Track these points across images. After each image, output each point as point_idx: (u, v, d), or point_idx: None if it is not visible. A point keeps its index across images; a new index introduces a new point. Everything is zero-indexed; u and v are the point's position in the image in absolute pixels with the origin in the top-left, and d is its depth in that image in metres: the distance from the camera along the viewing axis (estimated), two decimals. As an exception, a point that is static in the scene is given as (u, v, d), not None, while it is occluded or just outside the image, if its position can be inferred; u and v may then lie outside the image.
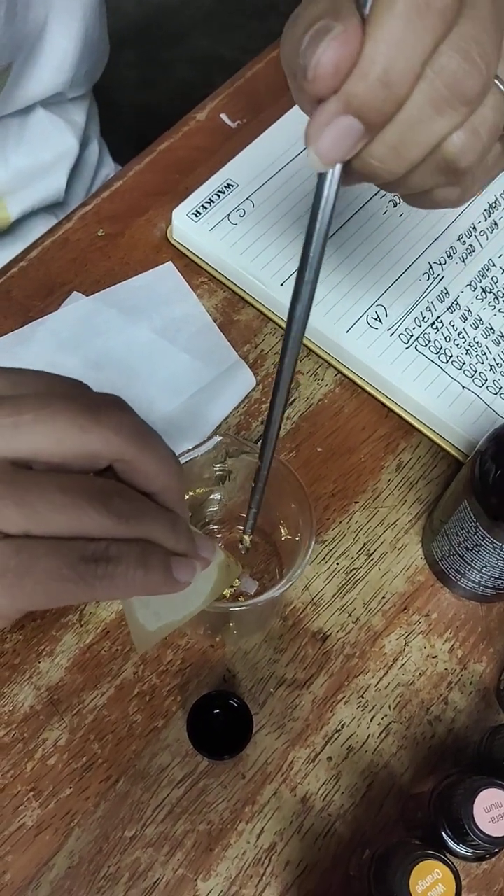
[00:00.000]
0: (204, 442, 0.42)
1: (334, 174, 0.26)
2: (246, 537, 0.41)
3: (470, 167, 0.29)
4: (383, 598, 0.48)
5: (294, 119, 0.59)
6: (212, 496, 0.47)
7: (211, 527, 0.48)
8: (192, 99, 0.64)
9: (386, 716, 0.45)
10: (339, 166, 0.26)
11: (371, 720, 0.45)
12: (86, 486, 0.29)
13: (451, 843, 0.37)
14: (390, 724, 0.45)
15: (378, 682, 0.46)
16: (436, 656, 0.47)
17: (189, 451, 0.41)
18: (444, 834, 0.37)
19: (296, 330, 0.30)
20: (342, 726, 0.45)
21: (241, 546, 0.42)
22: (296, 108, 0.60)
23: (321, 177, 0.26)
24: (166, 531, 0.31)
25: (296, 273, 0.28)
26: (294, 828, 0.43)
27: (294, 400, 0.53)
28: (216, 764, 0.44)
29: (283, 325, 0.54)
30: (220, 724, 0.42)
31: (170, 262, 0.56)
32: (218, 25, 1.77)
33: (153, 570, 0.31)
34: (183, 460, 0.41)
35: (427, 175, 0.29)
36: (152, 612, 0.35)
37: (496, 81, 0.28)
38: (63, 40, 0.63)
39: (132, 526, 0.30)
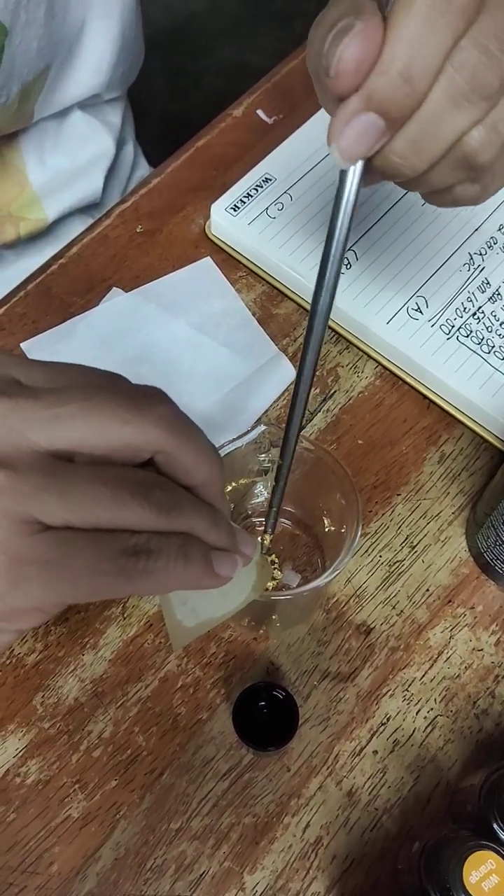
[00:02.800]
0: (248, 432, 0.42)
1: (356, 171, 0.27)
2: (267, 537, 0.41)
3: (490, 163, 0.29)
4: (427, 590, 0.48)
5: (331, 113, 0.59)
6: (254, 488, 0.47)
7: (253, 519, 0.48)
8: (221, 106, 0.64)
9: (432, 709, 0.45)
10: (360, 163, 0.27)
11: (417, 714, 0.45)
12: (127, 478, 0.29)
13: (503, 835, 0.36)
14: (436, 717, 0.45)
15: (423, 676, 0.45)
16: (482, 649, 0.46)
17: (232, 441, 0.41)
18: (495, 826, 0.36)
19: (318, 327, 0.30)
20: (388, 720, 0.45)
21: (262, 546, 0.42)
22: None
23: (343, 174, 0.27)
24: (207, 525, 0.31)
25: (317, 270, 0.28)
26: (340, 822, 0.42)
27: (334, 392, 0.53)
28: (261, 756, 0.43)
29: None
30: (266, 716, 0.42)
31: (208, 258, 0.57)
32: (244, 32, 1.78)
33: (194, 563, 0.30)
34: (226, 451, 0.41)
35: (447, 172, 0.30)
36: (190, 608, 0.35)
37: None
38: (101, 41, 0.63)
39: (173, 519, 0.30)
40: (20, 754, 0.43)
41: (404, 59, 0.25)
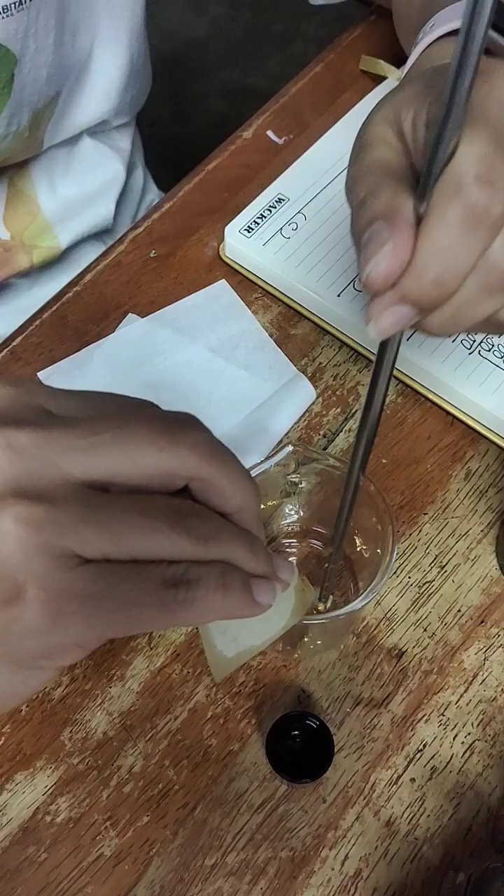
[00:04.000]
0: (275, 453, 0.41)
1: (395, 337, 0.28)
2: (332, 567, 0.40)
3: None
4: (459, 611, 0.47)
5: (342, 132, 0.59)
6: (282, 509, 0.46)
7: (282, 541, 0.47)
8: (225, 128, 0.64)
9: (469, 734, 0.44)
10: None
11: (454, 739, 0.44)
12: (164, 507, 0.29)
13: (552, 867, 0.35)
14: (474, 742, 0.43)
15: (459, 699, 0.44)
16: (518, 670, 0.45)
17: (260, 463, 0.41)
18: (544, 857, 0.35)
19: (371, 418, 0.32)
20: (424, 746, 0.43)
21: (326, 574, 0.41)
22: (342, 121, 0.60)
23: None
24: (245, 552, 0.31)
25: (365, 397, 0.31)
26: (380, 853, 0.41)
27: (355, 411, 0.52)
28: (296, 788, 0.42)
29: (342, 336, 0.54)
30: (299, 746, 0.41)
31: (223, 280, 0.56)
32: (245, 55, 1.80)
33: (234, 592, 0.30)
34: (255, 472, 0.41)
35: (483, 329, 0.32)
36: (230, 637, 0.34)
37: None
38: (109, 67, 0.64)
39: (211, 547, 0.29)
40: (49, 792, 0.42)
41: (436, 271, 0.26)
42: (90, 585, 0.27)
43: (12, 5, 0.52)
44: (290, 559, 0.47)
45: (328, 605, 0.43)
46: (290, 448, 0.41)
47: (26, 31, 0.54)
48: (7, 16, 0.52)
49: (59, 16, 0.56)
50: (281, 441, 0.51)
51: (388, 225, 0.26)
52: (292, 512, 0.46)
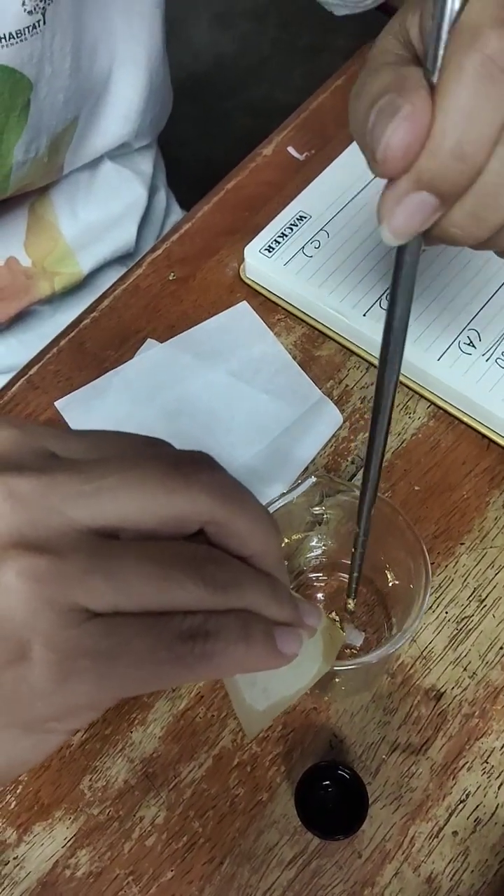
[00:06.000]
0: (299, 484, 0.39)
1: (412, 245, 0.25)
2: (350, 602, 0.38)
3: None
4: (501, 648, 0.44)
5: (365, 144, 0.57)
6: (307, 542, 0.44)
7: (309, 575, 0.45)
8: (253, 145, 0.63)
9: (515, 782, 0.41)
10: (418, 236, 0.25)
11: (499, 788, 0.41)
12: (178, 553, 0.26)
13: None
14: (521, 791, 0.40)
15: (503, 746, 0.41)
16: None
17: (283, 495, 0.38)
18: None
19: (387, 394, 0.29)
20: (467, 796, 0.40)
21: (346, 612, 0.39)
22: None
23: (400, 247, 0.25)
24: (267, 598, 0.28)
25: (381, 342, 0.27)
26: (420, 914, 0.38)
27: (385, 436, 0.50)
28: (329, 842, 0.40)
29: (369, 357, 0.51)
30: (332, 798, 0.38)
31: (244, 302, 0.54)
32: (272, 70, 1.79)
33: (256, 643, 0.27)
34: (276, 506, 0.38)
35: None
36: (260, 689, 0.32)
37: None
38: (128, 90, 0.62)
39: (230, 595, 0.27)
40: (69, 844, 0.40)
41: (456, 137, 0.23)
42: (100, 641, 0.25)
43: (26, 29, 0.51)
44: (318, 595, 0.44)
45: (352, 639, 0.41)
46: (313, 479, 0.39)
47: (41, 56, 0.52)
48: (21, 41, 0.51)
49: (76, 39, 0.55)
50: (307, 469, 0.49)
51: (399, 94, 0.23)
52: (319, 545, 0.44)
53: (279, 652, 0.28)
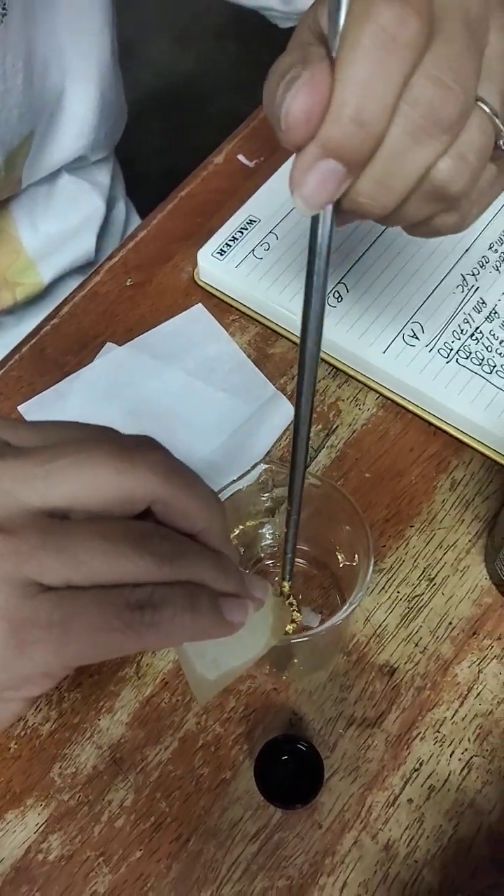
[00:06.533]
0: (247, 472, 0.41)
1: (325, 216, 0.26)
2: (286, 584, 0.39)
3: (462, 192, 0.28)
4: (450, 623, 0.46)
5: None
6: (263, 530, 0.46)
7: (266, 563, 0.47)
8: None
9: (466, 750, 0.42)
10: (329, 208, 0.26)
11: (451, 756, 0.42)
12: (125, 530, 0.28)
13: (550, 885, 0.34)
14: (472, 758, 0.42)
15: (454, 715, 0.43)
16: (513, 681, 0.44)
17: (233, 482, 0.40)
18: (541, 874, 0.34)
19: (309, 366, 0.29)
20: (420, 765, 0.42)
21: (282, 594, 0.40)
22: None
23: (314, 219, 0.26)
24: (213, 571, 0.30)
25: (301, 315, 0.28)
26: (379, 878, 0.40)
27: (336, 427, 0.52)
28: (289, 814, 0.41)
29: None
30: (290, 771, 0.40)
31: (199, 304, 0.56)
32: (237, 84, 1.82)
33: (202, 612, 0.29)
34: (227, 493, 0.40)
35: (420, 205, 0.29)
36: (210, 660, 0.34)
37: (480, 103, 0.27)
38: (81, 105, 0.64)
39: (176, 568, 0.29)
40: (41, 829, 0.42)
41: (354, 104, 0.24)
42: (53, 613, 0.27)
43: (-24, 49, 0.53)
44: (275, 580, 0.46)
45: (308, 621, 0.43)
46: (262, 467, 0.41)
47: (-7, 74, 0.54)
48: (-28, 60, 0.53)
49: (27, 57, 0.57)
50: (262, 460, 0.51)
51: (301, 66, 0.24)
52: (275, 532, 0.46)
53: (225, 620, 0.30)
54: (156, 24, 1.89)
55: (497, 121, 0.28)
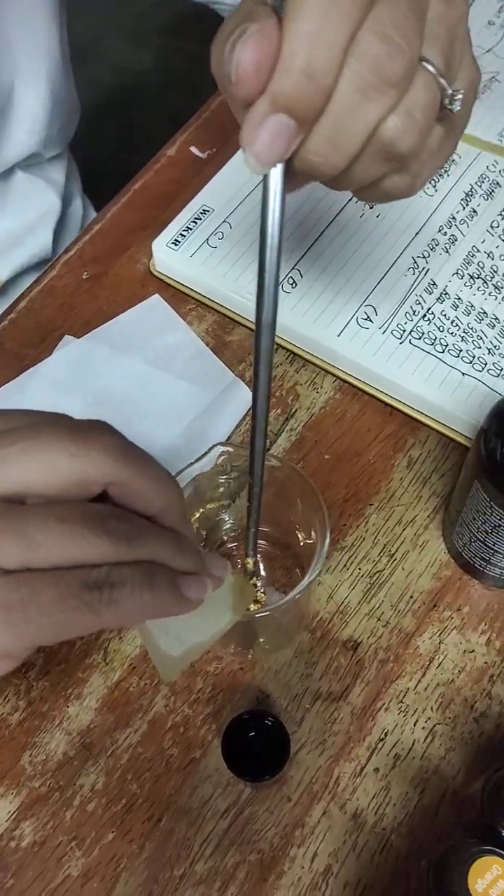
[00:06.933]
0: (203, 455, 0.41)
1: (277, 176, 0.26)
2: (249, 560, 0.40)
3: (411, 151, 0.29)
4: (411, 597, 0.47)
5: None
6: (225, 514, 0.46)
7: (229, 545, 0.47)
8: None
9: (429, 718, 0.43)
10: (280, 168, 0.26)
11: (415, 725, 0.43)
12: (82, 512, 0.29)
13: (510, 839, 0.35)
14: (435, 726, 0.43)
15: (417, 685, 0.44)
16: (473, 651, 0.45)
17: (190, 465, 0.41)
18: (501, 830, 0.35)
19: (265, 343, 0.29)
20: (385, 735, 0.43)
21: (245, 571, 0.41)
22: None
23: (265, 180, 0.26)
24: (171, 550, 0.31)
25: (256, 288, 0.27)
26: (348, 847, 0.41)
27: (295, 411, 0.53)
28: (258, 788, 0.42)
29: (276, 339, 0.54)
30: (258, 746, 0.41)
31: (156, 295, 0.57)
32: (192, 82, 1.82)
33: (160, 589, 0.30)
34: (185, 476, 0.41)
35: (371, 165, 0.29)
36: (174, 637, 0.34)
37: (424, 63, 0.28)
38: (32, 102, 0.65)
39: (133, 548, 0.29)
40: (13, 817, 0.42)
41: (303, 56, 0.24)
42: (11, 595, 0.27)
43: None
44: (238, 562, 0.47)
45: (273, 600, 0.43)
46: (219, 449, 0.41)
47: None
48: None
49: (-25, 54, 0.57)
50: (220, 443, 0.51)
51: (249, 22, 0.25)
52: (237, 515, 0.46)
53: (184, 597, 0.31)
54: (111, 24, 1.89)
55: (442, 80, 0.28)
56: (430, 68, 0.28)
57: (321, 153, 0.27)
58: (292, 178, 0.28)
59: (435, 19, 0.28)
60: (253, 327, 0.55)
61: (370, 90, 0.26)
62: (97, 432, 0.30)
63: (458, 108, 0.29)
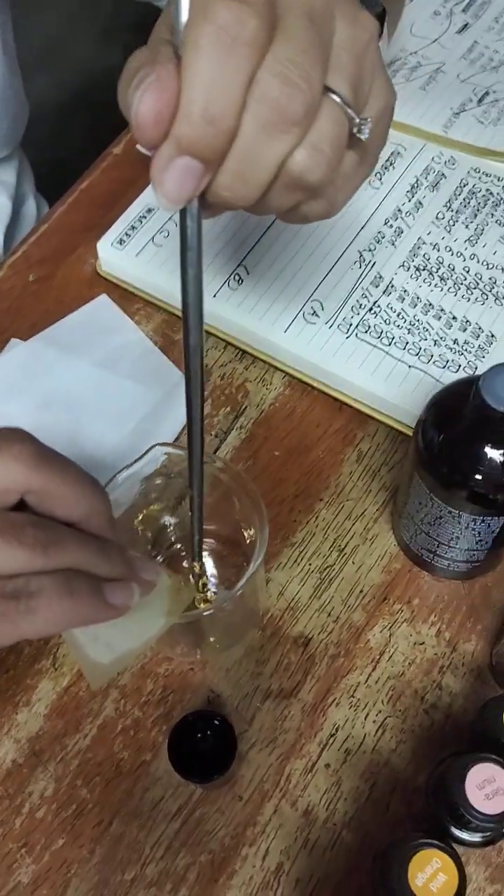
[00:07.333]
0: (141, 456, 0.41)
1: (192, 209, 0.26)
2: (196, 565, 0.40)
3: (321, 181, 0.29)
4: (361, 591, 0.46)
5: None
6: (172, 515, 0.46)
7: (177, 546, 0.47)
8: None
9: (380, 712, 0.43)
10: (195, 201, 0.26)
11: (365, 719, 0.43)
12: None
13: (455, 831, 0.35)
14: (386, 719, 0.43)
15: (367, 679, 0.44)
16: (423, 643, 0.45)
17: (127, 466, 0.40)
18: (446, 822, 0.35)
19: (194, 363, 0.30)
20: (336, 730, 0.43)
21: (191, 575, 0.40)
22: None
23: (182, 214, 0.27)
24: (94, 557, 0.30)
25: (181, 311, 0.28)
26: (300, 844, 0.41)
27: (245, 408, 0.52)
28: (209, 789, 0.42)
29: (224, 336, 0.54)
30: (206, 747, 0.40)
31: (104, 295, 0.56)
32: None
33: (81, 597, 0.29)
34: (122, 477, 0.40)
35: (283, 195, 0.29)
36: (103, 644, 0.34)
37: (331, 94, 0.28)
38: (-26, 104, 0.64)
39: (52, 556, 0.29)
40: (-38, 827, 0.42)
41: (202, 101, 0.24)
42: None
43: None
44: (185, 563, 0.46)
45: (223, 599, 0.43)
46: (159, 450, 0.41)
47: None
48: None
49: None
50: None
51: (150, 66, 0.25)
52: (183, 516, 0.46)
53: (108, 604, 0.31)
54: (76, 23, 1.88)
55: (349, 110, 0.28)
56: (337, 99, 0.28)
57: (231, 188, 0.27)
58: (208, 208, 0.28)
59: (341, 47, 0.28)
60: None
61: (273, 129, 0.26)
62: (9, 440, 0.29)
63: (367, 135, 0.29)
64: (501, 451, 0.36)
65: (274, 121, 0.26)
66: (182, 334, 0.29)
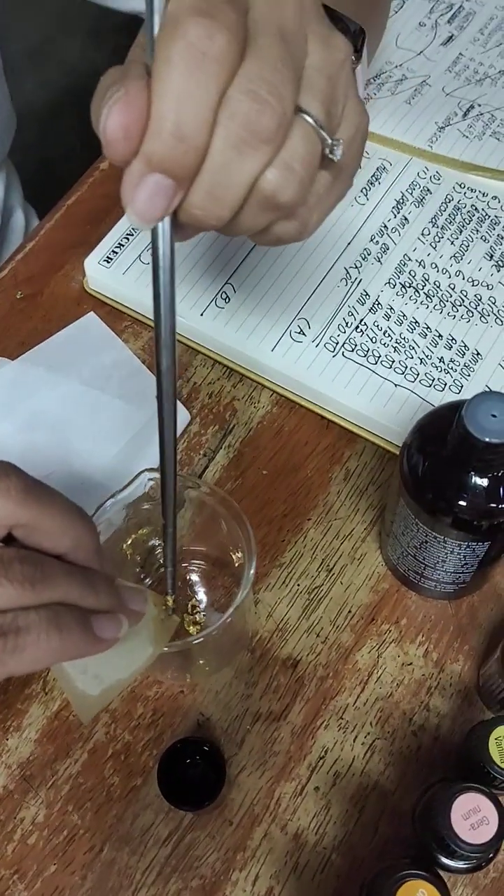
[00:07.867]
0: (128, 483, 0.41)
1: (164, 229, 0.26)
2: (169, 598, 0.39)
3: (293, 201, 0.28)
4: (349, 612, 0.47)
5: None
6: (159, 539, 0.46)
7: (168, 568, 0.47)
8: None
9: (369, 734, 0.44)
10: (167, 220, 0.26)
11: (354, 741, 0.43)
12: None
13: (441, 859, 0.35)
14: (374, 741, 0.43)
15: (356, 701, 0.44)
16: (411, 663, 0.45)
17: (113, 495, 0.40)
18: (432, 850, 0.35)
19: (167, 384, 0.29)
20: (325, 752, 0.43)
21: (166, 607, 0.40)
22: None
23: (153, 233, 0.26)
24: (81, 589, 0.30)
25: (153, 333, 0.28)
26: (289, 868, 0.41)
27: (233, 427, 0.52)
28: (201, 815, 0.42)
29: (213, 354, 0.54)
30: (195, 773, 0.40)
31: (91, 313, 0.56)
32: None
33: (69, 632, 0.30)
34: (109, 504, 0.40)
35: (256, 214, 0.29)
36: (91, 676, 0.34)
37: (303, 114, 0.28)
38: (-40, 117, 0.64)
39: (40, 591, 0.29)
40: (-46, 854, 0.42)
41: (172, 118, 0.24)
42: None
43: None
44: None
45: (213, 622, 0.43)
46: (146, 476, 0.41)
47: None
48: None
49: None
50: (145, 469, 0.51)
51: (120, 83, 0.25)
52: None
53: (97, 638, 0.31)
54: (63, 23, 1.87)
55: (322, 131, 0.28)
56: (309, 119, 0.28)
57: (203, 207, 0.27)
58: (181, 229, 0.28)
59: (314, 67, 0.28)
60: (189, 343, 0.55)
61: (244, 146, 0.26)
62: None
63: (340, 157, 0.29)
64: (485, 479, 0.37)
65: (245, 138, 0.26)
66: (154, 357, 0.29)
